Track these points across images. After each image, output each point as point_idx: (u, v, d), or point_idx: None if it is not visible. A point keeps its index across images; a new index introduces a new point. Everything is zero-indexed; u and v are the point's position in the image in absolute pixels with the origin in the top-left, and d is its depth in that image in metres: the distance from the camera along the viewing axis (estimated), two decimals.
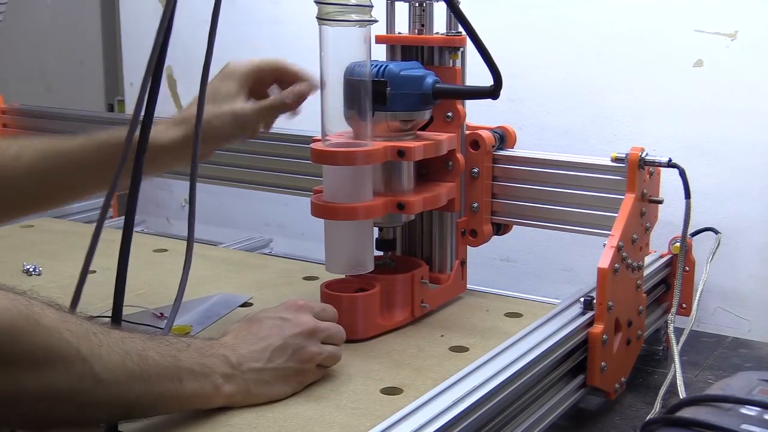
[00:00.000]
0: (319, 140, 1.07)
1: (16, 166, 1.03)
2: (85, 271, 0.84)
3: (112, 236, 0.84)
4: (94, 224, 0.84)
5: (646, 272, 1.15)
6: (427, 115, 1.11)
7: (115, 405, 0.78)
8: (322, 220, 1.07)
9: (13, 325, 0.69)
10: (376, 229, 1.12)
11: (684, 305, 1.21)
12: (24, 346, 0.70)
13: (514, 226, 1.24)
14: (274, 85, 1.12)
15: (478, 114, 1.22)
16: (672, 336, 1.10)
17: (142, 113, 0.85)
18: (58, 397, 0.73)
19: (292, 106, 1.07)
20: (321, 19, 1.02)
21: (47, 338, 0.72)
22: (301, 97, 1.06)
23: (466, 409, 0.79)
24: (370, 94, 1.05)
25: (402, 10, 1.16)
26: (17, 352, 0.70)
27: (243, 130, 1.07)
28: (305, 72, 1.09)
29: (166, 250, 1.39)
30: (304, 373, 0.93)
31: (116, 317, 0.85)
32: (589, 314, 1.02)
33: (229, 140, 1.07)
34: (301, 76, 1.09)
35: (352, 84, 1.04)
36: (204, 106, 0.95)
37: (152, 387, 0.80)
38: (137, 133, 0.81)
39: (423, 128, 1.14)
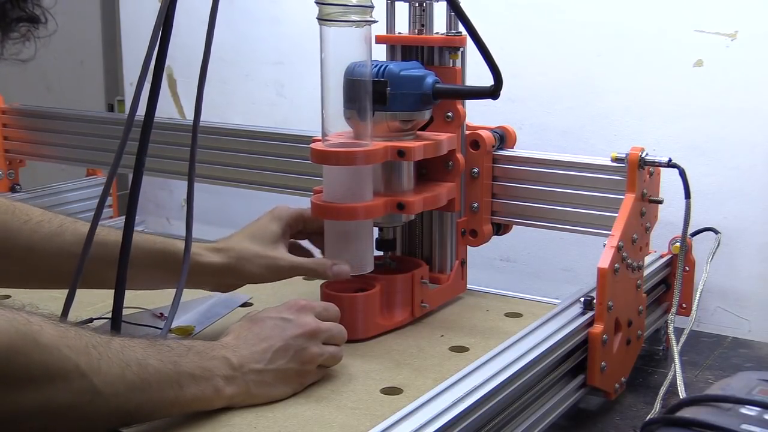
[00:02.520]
0: (319, 140, 1.08)
1: (55, 242, 1.01)
2: (78, 272, 0.84)
3: None
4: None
5: (646, 272, 1.14)
6: (427, 115, 1.11)
7: (115, 415, 0.78)
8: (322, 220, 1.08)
9: (10, 346, 0.70)
10: (376, 229, 1.12)
11: (684, 305, 1.20)
12: (23, 365, 0.71)
13: (514, 226, 1.24)
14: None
15: (478, 114, 1.22)
16: (672, 336, 1.10)
17: (143, 113, 0.85)
18: (57, 412, 0.74)
19: (327, 277, 1.07)
20: (321, 19, 1.02)
21: (46, 356, 0.72)
22: (338, 277, 1.06)
23: (466, 409, 0.79)
24: (370, 94, 1.05)
25: (402, 10, 1.16)
26: (16, 373, 0.71)
27: (275, 276, 1.08)
28: None
29: None
30: (305, 374, 0.93)
31: (116, 318, 0.86)
32: (589, 314, 1.02)
33: (261, 281, 1.08)
34: None
35: (352, 84, 1.04)
36: (201, 110, 0.95)
37: (152, 395, 0.80)
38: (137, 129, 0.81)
39: (423, 128, 1.14)
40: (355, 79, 1.04)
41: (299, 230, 1.12)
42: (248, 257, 1.05)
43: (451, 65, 1.15)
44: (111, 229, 1.02)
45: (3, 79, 2.27)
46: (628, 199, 1.08)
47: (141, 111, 0.85)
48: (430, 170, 1.16)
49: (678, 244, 1.18)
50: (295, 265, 1.07)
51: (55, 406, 0.73)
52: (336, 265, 1.06)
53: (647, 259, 1.17)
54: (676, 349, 1.07)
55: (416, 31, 1.16)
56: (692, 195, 1.12)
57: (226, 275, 1.06)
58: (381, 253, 1.15)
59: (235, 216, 1.78)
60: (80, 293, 0.87)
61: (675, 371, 1.04)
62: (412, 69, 1.08)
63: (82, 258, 0.85)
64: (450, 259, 1.20)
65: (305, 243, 1.15)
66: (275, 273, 1.07)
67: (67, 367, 0.73)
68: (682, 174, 1.11)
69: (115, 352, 0.77)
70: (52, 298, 0.89)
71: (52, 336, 0.73)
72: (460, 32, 1.13)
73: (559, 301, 1.09)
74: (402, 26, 1.17)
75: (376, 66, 1.06)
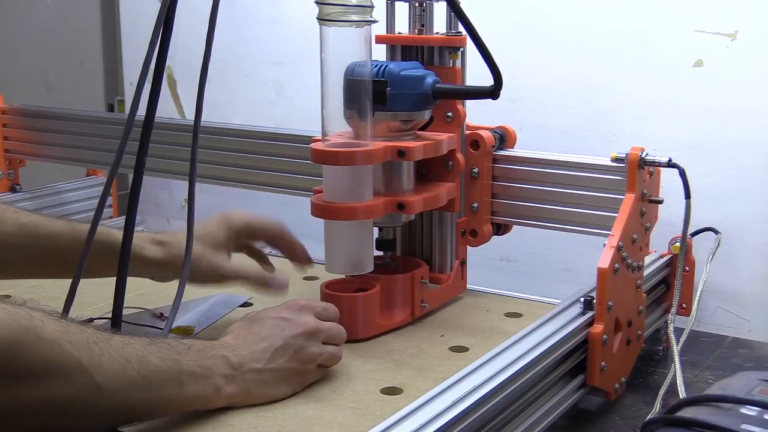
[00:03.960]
0: (319, 140, 1.08)
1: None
2: (79, 272, 0.84)
3: None
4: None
5: (646, 272, 1.14)
6: (427, 115, 1.11)
7: (115, 412, 0.78)
8: (322, 220, 1.07)
9: (13, 339, 0.70)
10: (376, 229, 1.12)
11: (684, 305, 1.20)
12: (24, 360, 0.71)
13: (514, 226, 1.24)
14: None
15: (478, 114, 1.22)
16: (672, 336, 1.10)
17: (143, 113, 0.85)
18: (58, 408, 0.74)
19: (265, 289, 1.09)
20: (321, 19, 1.02)
21: (48, 351, 0.72)
22: (279, 289, 1.09)
23: (466, 409, 0.79)
24: (370, 94, 1.05)
25: (402, 10, 1.16)
26: (17, 367, 0.70)
27: (214, 280, 1.08)
28: (300, 246, 1.13)
29: None
30: (305, 374, 0.93)
31: (116, 318, 0.86)
32: (589, 314, 1.02)
33: (200, 282, 1.08)
34: (297, 248, 1.13)
35: (352, 84, 1.04)
36: (201, 110, 0.95)
37: (153, 393, 0.80)
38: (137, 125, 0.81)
39: (423, 128, 1.14)
40: (355, 79, 1.04)
41: (254, 238, 1.13)
42: (196, 257, 1.04)
43: (451, 65, 1.15)
44: (64, 221, 1.06)
45: (3, 79, 2.27)
46: (628, 199, 1.08)
47: (141, 111, 0.85)
48: (430, 170, 1.16)
49: (678, 244, 1.18)
50: (236, 271, 1.08)
51: (57, 401, 0.73)
52: (273, 280, 1.08)
53: (647, 259, 1.17)
54: (676, 349, 1.08)
55: (416, 31, 1.16)
56: (692, 195, 1.12)
57: (167, 269, 1.06)
58: (381, 253, 1.16)
59: None
60: (80, 293, 0.87)
61: (675, 371, 1.05)
62: (412, 69, 1.08)
63: (82, 258, 0.85)
64: (450, 259, 1.20)
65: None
66: (215, 276, 1.08)
67: (69, 362, 0.73)
68: (682, 174, 1.11)
69: (116, 349, 0.77)
70: (51, 299, 0.89)
71: (53, 331, 0.73)
72: (460, 32, 1.13)
73: (559, 301, 1.09)
74: (402, 26, 1.17)
75: (376, 66, 1.06)
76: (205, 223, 1.09)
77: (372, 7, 1.03)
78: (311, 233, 1.16)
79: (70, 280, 0.86)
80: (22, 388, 0.71)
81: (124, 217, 0.87)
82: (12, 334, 0.70)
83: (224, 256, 1.08)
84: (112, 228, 1.04)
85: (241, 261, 1.12)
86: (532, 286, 1.45)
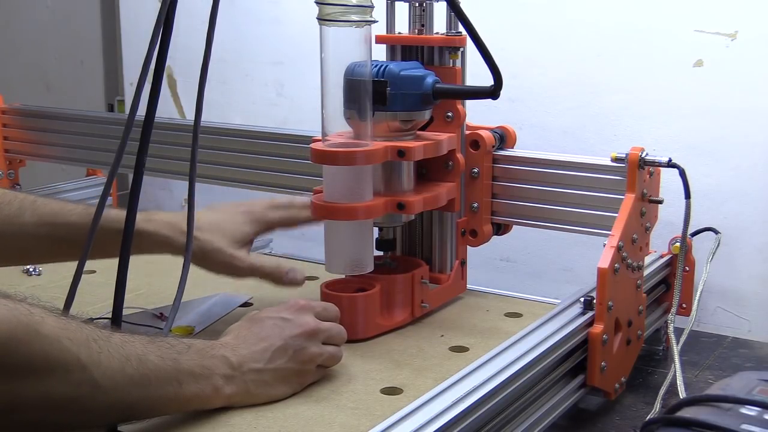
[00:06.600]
0: (319, 140, 1.08)
1: (15, 224, 1.05)
2: (79, 272, 0.84)
3: None
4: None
5: (646, 272, 1.14)
6: (427, 115, 1.11)
7: (114, 409, 0.78)
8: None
9: (12, 335, 0.70)
10: (376, 229, 1.12)
11: (684, 305, 1.20)
12: (23, 355, 0.71)
13: (514, 226, 1.24)
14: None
15: (478, 114, 1.22)
16: (672, 336, 1.10)
17: (143, 113, 0.85)
18: (56, 404, 0.74)
19: (281, 283, 1.10)
20: (321, 19, 1.02)
21: (47, 347, 0.72)
22: (292, 284, 1.10)
23: (466, 409, 0.79)
24: (370, 94, 1.05)
25: (402, 10, 1.16)
26: (16, 362, 0.70)
27: (229, 273, 1.09)
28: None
29: None
30: (305, 374, 0.93)
31: (116, 318, 0.86)
32: (589, 314, 1.02)
33: (212, 272, 1.09)
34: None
35: (352, 84, 1.04)
36: (201, 110, 0.95)
37: (152, 391, 0.80)
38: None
39: (423, 128, 1.14)
40: (355, 79, 1.04)
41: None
42: (208, 250, 1.05)
43: (451, 65, 1.15)
44: (83, 207, 1.05)
45: (3, 79, 2.27)
46: (628, 199, 1.09)
47: (141, 111, 0.85)
48: (430, 170, 1.16)
49: (678, 244, 1.18)
50: (253, 267, 1.08)
51: (55, 397, 0.73)
52: (291, 272, 1.09)
53: (647, 259, 1.17)
54: (676, 349, 1.08)
55: (416, 31, 1.16)
56: (692, 195, 1.12)
57: (181, 254, 1.05)
58: (381, 253, 1.16)
59: None
60: (80, 294, 0.87)
61: (675, 371, 1.05)
62: (412, 69, 1.08)
63: (82, 259, 0.85)
64: (450, 259, 1.20)
65: None
66: (231, 271, 1.08)
67: (68, 358, 0.73)
68: (682, 174, 1.11)
69: (115, 347, 0.77)
70: (52, 299, 0.89)
71: (53, 327, 0.73)
72: (460, 32, 1.13)
73: (559, 301, 1.09)
74: (402, 26, 1.17)
75: (376, 66, 1.06)
76: (233, 215, 1.09)
77: (372, 7, 1.03)
78: (311, 233, 1.16)
79: (70, 281, 0.86)
80: (21, 383, 0.71)
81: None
82: (11, 330, 0.70)
83: (244, 251, 1.08)
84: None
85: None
86: (532, 286, 1.45)
